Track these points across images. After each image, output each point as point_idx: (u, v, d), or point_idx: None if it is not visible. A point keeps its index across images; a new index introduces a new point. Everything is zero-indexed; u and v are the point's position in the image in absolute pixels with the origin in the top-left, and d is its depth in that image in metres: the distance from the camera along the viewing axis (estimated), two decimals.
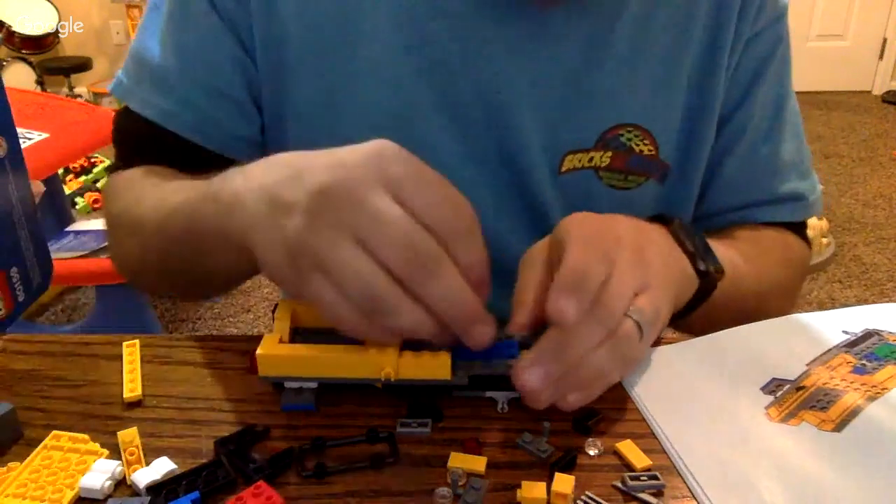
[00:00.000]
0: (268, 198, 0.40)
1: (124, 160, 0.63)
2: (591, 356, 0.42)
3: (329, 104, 0.58)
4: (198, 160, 0.59)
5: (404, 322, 0.37)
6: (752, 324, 0.50)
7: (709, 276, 0.50)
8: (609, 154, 0.59)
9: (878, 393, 0.43)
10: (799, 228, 0.68)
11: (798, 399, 0.43)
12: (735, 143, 0.63)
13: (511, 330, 0.43)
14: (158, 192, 0.55)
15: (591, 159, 0.59)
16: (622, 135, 0.59)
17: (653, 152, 0.60)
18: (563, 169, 0.59)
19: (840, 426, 0.40)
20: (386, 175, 0.38)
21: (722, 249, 0.54)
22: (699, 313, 0.52)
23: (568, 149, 0.59)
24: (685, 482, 0.38)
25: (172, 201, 0.51)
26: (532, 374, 0.41)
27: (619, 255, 0.43)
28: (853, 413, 0.41)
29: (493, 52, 0.56)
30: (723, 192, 0.65)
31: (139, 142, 0.62)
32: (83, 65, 3.82)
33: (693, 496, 0.37)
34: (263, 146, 0.64)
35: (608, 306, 0.41)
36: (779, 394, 0.43)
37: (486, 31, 0.56)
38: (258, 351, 0.42)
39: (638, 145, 0.59)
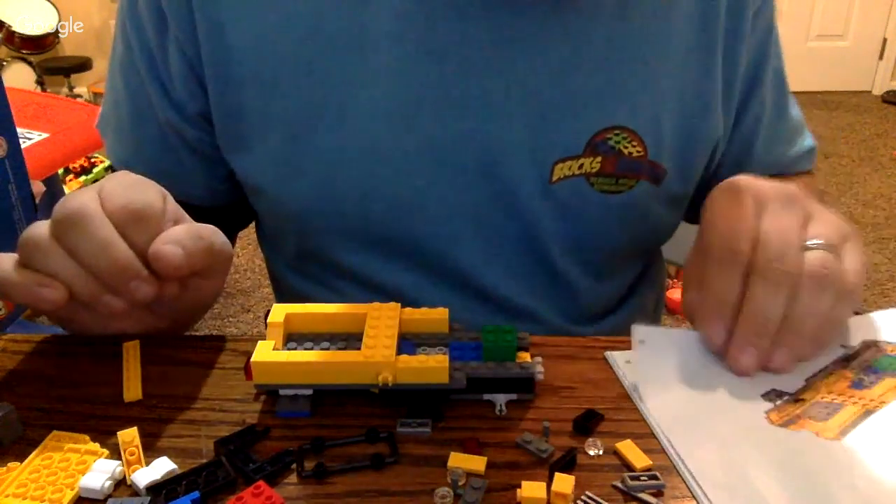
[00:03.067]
0: None
1: None
2: (800, 307, 0.43)
3: (305, 132, 0.57)
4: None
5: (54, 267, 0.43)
6: None
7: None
8: (599, 159, 0.58)
9: (877, 406, 0.43)
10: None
11: (797, 409, 0.43)
12: (757, 125, 0.67)
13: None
14: None
15: (581, 166, 0.58)
16: (610, 138, 0.58)
17: (641, 153, 0.59)
18: (554, 178, 0.58)
19: (840, 436, 0.40)
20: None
21: None
22: None
23: (557, 157, 0.58)
24: (685, 482, 0.38)
25: None
26: (745, 358, 0.44)
27: (765, 209, 0.45)
28: (853, 424, 0.41)
29: (471, 66, 0.55)
30: (756, 169, 0.68)
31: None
32: (83, 65, 3.82)
33: (693, 496, 0.37)
34: (230, 191, 0.65)
35: (775, 264, 0.43)
36: (778, 402, 0.43)
37: (462, 46, 0.54)
38: (252, 359, 0.42)
39: (626, 147, 0.58)
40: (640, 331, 0.48)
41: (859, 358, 0.47)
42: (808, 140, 0.74)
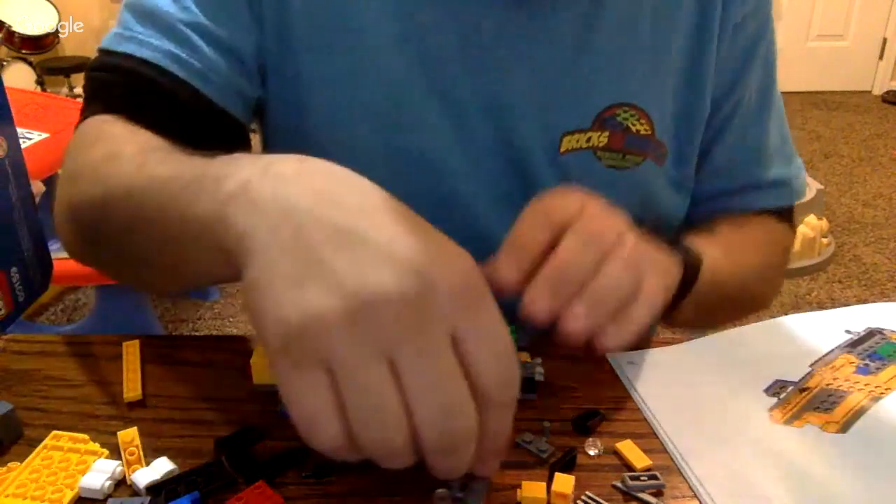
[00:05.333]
0: (295, 238, 0.31)
1: (98, 111, 0.56)
2: (603, 273, 0.42)
3: (329, 91, 0.57)
4: (180, 125, 0.53)
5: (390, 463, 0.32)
6: (755, 324, 0.51)
7: (690, 254, 0.52)
8: (606, 134, 0.60)
9: (883, 393, 0.43)
10: (785, 213, 0.70)
11: (802, 401, 0.43)
12: (725, 128, 0.65)
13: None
14: (140, 156, 0.47)
15: (588, 139, 0.59)
16: (618, 114, 0.59)
17: (648, 132, 0.60)
18: (563, 150, 0.60)
19: (844, 427, 0.40)
20: (460, 314, 0.31)
21: (698, 242, 0.56)
22: (687, 304, 0.53)
23: (565, 129, 0.59)
24: (688, 483, 0.38)
25: (157, 171, 0.42)
26: (539, 298, 0.41)
27: (589, 205, 0.45)
28: (858, 414, 0.41)
29: (484, 37, 0.56)
30: (711, 177, 0.67)
31: (120, 91, 0.55)
32: (83, 65, 3.82)
33: (696, 496, 0.37)
34: (260, 118, 0.62)
35: (592, 227, 0.43)
36: (782, 395, 0.43)
37: (476, 17, 0.56)
38: (252, 358, 0.42)
39: (634, 125, 0.60)
40: (625, 355, 0.48)
41: (864, 344, 0.47)
42: (788, 171, 0.68)
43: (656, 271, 0.46)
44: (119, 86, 0.55)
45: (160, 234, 0.41)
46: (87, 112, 0.57)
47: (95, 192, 0.47)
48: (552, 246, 0.43)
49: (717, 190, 0.67)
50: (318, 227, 0.31)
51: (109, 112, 0.55)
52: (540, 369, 0.43)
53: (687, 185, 0.66)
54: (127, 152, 0.48)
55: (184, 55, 0.54)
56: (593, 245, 0.42)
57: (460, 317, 0.31)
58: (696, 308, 0.53)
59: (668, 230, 0.69)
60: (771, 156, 0.67)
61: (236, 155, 0.38)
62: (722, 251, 0.60)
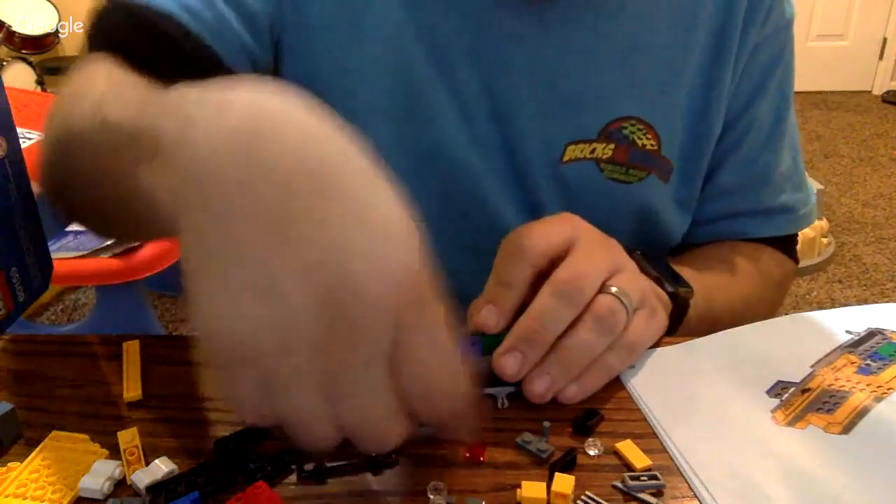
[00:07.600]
0: (222, 227, 0.28)
1: (97, 49, 0.53)
2: (573, 337, 0.42)
3: (339, 81, 0.57)
4: (178, 76, 0.50)
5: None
6: (755, 324, 0.50)
7: (679, 297, 0.51)
8: (611, 146, 0.59)
9: (885, 393, 0.43)
10: (788, 242, 0.69)
11: (804, 402, 0.43)
12: (734, 149, 0.64)
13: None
14: (102, 92, 0.45)
15: (592, 150, 0.59)
16: (625, 128, 0.59)
17: (655, 147, 0.60)
18: (565, 159, 0.59)
19: (847, 428, 0.40)
20: (395, 329, 0.29)
21: (691, 272, 0.55)
22: (679, 332, 0.53)
23: (570, 139, 0.59)
24: (688, 483, 0.38)
25: (109, 114, 0.39)
26: (508, 359, 0.42)
27: (577, 240, 0.44)
28: (860, 414, 0.41)
29: (496, 41, 0.56)
30: (716, 198, 0.66)
31: (124, 34, 0.53)
32: None
33: (696, 496, 0.37)
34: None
35: (570, 282, 0.42)
36: (784, 396, 0.43)
37: (486, 23, 0.56)
38: None
39: (640, 139, 0.59)
40: None
41: (864, 344, 0.47)
42: (796, 198, 0.67)
43: (645, 312, 0.46)
44: (124, 28, 0.53)
45: (115, 188, 0.38)
46: (88, 50, 0.54)
47: (59, 133, 0.46)
48: (536, 279, 0.43)
49: (720, 212, 0.66)
50: (244, 216, 0.28)
51: (108, 51, 0.52)
52: None
53: (691, 205, 0.65)
54: (93, 89, 0.45)
55: (197, 7, 0.53)
56: (569, 301, 0.42)
57: (396, 330, 0.29)
58: (685, 333, 0.53)
59: (666, 248, 0.69)
60: (779, 181, 0.66)
61: (181, 91, 0.33)
62: (716, 281, 0.60)
